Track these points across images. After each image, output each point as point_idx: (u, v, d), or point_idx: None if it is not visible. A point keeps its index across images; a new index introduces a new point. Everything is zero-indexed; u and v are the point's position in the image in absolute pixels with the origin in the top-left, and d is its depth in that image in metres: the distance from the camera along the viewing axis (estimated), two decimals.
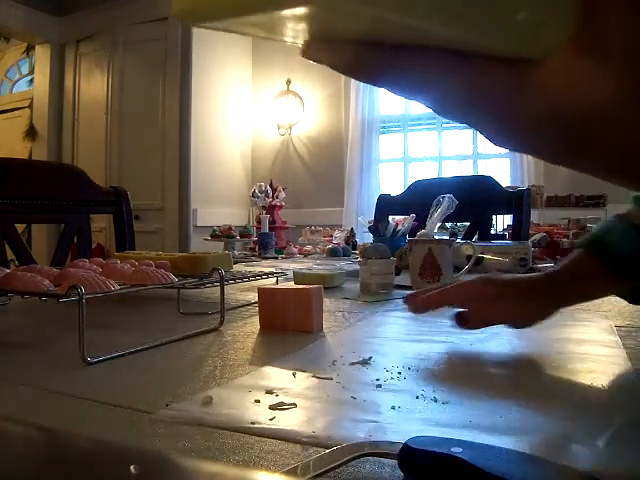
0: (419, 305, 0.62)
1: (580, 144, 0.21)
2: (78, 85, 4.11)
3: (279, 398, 0.44)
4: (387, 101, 3.88)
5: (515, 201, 1.79)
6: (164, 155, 3.71)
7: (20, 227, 1.78)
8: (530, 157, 3.31)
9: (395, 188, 3.42)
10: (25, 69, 4.90)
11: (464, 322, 0.60)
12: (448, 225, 2.27)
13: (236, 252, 2.40)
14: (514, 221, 1.83)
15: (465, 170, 3.63)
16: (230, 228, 2.52)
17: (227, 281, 0.85)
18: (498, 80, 0.21)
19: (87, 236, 1.62)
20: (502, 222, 2.85)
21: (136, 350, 0.60)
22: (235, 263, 1.52)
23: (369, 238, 1.90)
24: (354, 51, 0.22)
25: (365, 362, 0.55)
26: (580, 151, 0.21)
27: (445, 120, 3.70)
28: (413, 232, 1.38)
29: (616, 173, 0.22)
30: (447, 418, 0.40)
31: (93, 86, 4.03)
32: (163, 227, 3.73)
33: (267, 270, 1.12)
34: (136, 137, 3.81)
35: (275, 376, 0.51)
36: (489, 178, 1.93)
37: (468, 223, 1.98)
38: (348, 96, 3.81)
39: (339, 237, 2.35)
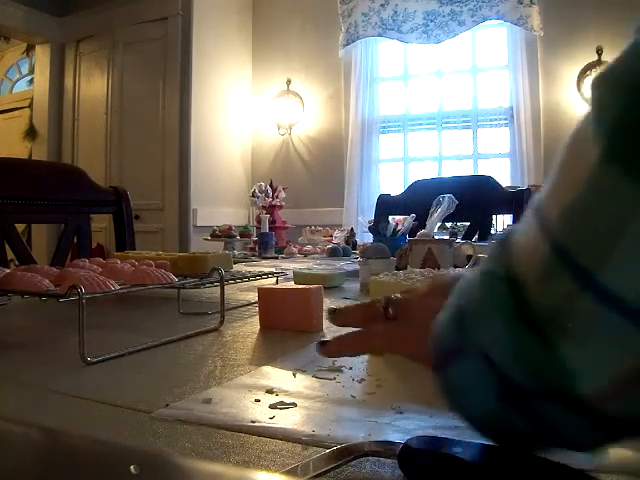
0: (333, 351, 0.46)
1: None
2: (78, 85, 4.11)
3: (279, 397, 0.44)
4: (387, 101, 3.88)
5: (515, 201, 1.79)
6: (164, 155, 3.70)
7: (20, 227, 1.78)
8: (530, 157, 3.31)
9: (395, 188, 3.41)
10: (25, 69, 4.90)
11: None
12: (448, 225, 2.26)
13: (236, 252, 2.39)
14: (514, 221, 1.83)
15: (465, 170, 3.62)
16: (230, 228, 2.51)
17: (227, 281, 0.85)
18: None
19: (87, 236, 1.62)
20: (502, 222, 2.85)
21: (136, 350, 0.60)
22: (235, 263, 1.52)
23: (369, 238, 1.90)
24: None
25: (365, 362, 0.55)
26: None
27: (445, 120, 3.71)
28: (413, 232, 1.38)
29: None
30: (448, 418, 0.40)
31: (93, 86, 4.03)
32: (163, 227, 3.72)
33: (267, 270, 1.12)
34: (136, 137, 3.81)
35: (275, 376, 0.51)
36: (489, 178, 1.93)
37: (468, 223, 1.98)
38: (348, 96, 3.80)
39: (339, 237, 2.35)
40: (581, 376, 0.22)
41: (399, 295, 0.41)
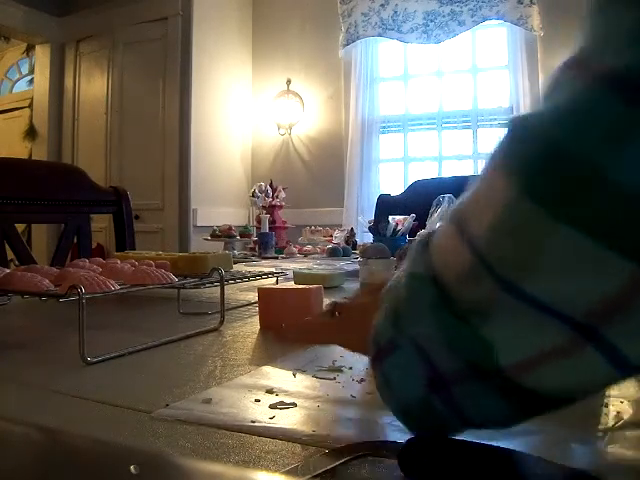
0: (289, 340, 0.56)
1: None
2: (78, 85, 4.11)
3: (279, 397, 0.44)
4: (387, 101, 3.88)
5: None
6: (164, 155, 3.70)
7: (20, 227, 1.78)
8: None
9: (395, 188, 3.41)
10: (25, 69, 4.90)
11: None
12: None
13: (236, 252, 2.39)
14: None
15: (465, 170, 3.62)
16: (230, 228, 2.51)
17: (227, 281, 0.85)
18: None
19: (87, 236, 1.62)
20: None
21: (136, 350, 0.60)
22: (235, 263, 1.52)
23: (369, 238, 1.90)
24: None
25: (365, 362, 0.55)
26: None
27: (445, 120, 3.71)
28: (413, 232, 1.38)
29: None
30: None
31: (93, 86, 4.03)
32: (163, 227, 3.72)
33: (267, 270, 1.12)
34: (136, 137, 3.81)
35: (275, 376, 0.51)
36: None
37: None
38: (348, 96, 3.80)
39: (339, 237, 2.35)
40: (501, 351, 0.25)
41: (343, 299, 0.49)
